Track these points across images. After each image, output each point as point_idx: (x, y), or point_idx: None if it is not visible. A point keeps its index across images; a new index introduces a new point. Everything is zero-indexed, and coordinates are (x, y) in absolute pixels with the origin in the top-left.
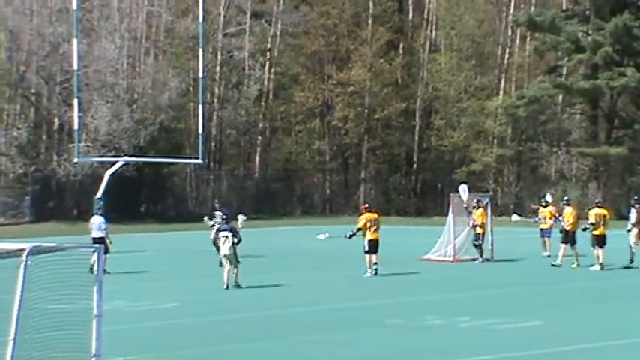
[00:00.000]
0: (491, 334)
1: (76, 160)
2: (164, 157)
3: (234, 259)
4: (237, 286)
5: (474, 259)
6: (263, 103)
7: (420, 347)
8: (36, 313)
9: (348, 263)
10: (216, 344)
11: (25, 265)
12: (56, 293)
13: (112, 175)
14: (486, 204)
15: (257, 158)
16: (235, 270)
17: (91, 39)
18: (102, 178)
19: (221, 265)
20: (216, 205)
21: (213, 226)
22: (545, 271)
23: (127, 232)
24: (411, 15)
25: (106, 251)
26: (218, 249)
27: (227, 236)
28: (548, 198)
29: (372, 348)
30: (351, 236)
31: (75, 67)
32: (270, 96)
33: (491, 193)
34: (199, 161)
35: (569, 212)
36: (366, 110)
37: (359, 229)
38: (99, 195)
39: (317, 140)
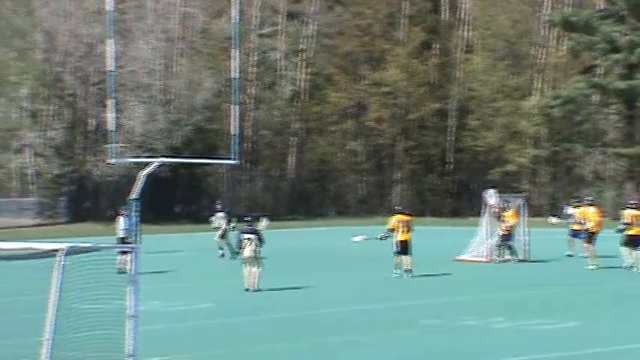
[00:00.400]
0: (526, 335)
1: (111, 160)
2: (199, 157)
3: (256, 261)
4: (257, 289)
5: (507, 260)
6: (297, 104)
7: (454, 348)
8: (72, 313)
9: (382, 264)
10: (250, 344)
11: (61, 265)
12: (92, 293)
13: (147, 175)
14: (520, 204)
15: (291, 159)
16: (257, 272)
17: (126, 40)
18: (137, 178)
19: (244, 267)
20: (218, 206)
21: (217, 227)
22: (580, 272)
23: (162, 232)
24: (445, 15)
25: (126, 252)
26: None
27: (250, 239)
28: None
29: (406, 349)
30: (383, 238)
31: (110, 67)
32: (305, 96)
33: (526, 193)
34: (234, 162)
35: (592, 212)
36: (401, 110)
37: (390, 230)
38: (134, 195)
39: (351, 141)
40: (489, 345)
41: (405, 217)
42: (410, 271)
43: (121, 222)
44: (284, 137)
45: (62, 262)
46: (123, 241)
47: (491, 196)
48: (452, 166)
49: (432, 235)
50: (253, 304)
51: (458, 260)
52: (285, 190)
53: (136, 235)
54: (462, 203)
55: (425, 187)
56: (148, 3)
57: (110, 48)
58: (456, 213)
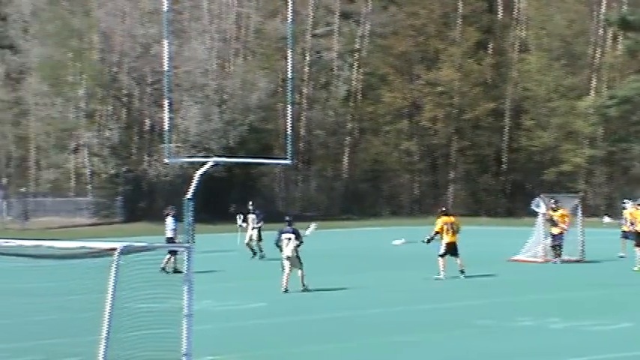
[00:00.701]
0: (582, 336)
1: (166, 160)
2: (253, 157)
3: (296, 261)
4: (306, 289)
5: (567, 261)
6: (351, 104)
7: (511, 349)
8: (127, 312)
9: (433, 265)
10: (300, 345)
11: (117, 264)
12: (146, 293)
13: (201, 175)
14: (575, 205)
15: (345, 159)
16: (300, 272)
17: (181, 40)
18: (192, 178)
19: (284, 269)
20: (250, 208)
21: (244, 227)
22: (632, 273)
23: (217, 232)
24: (500, 15)
25: (175, 252)
26: (281, 251)
27: (290, 238)
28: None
29: (462, 349)
30: (428, 241)
31: (165, 68)
32: (359, 96)
33: (581, 193)
34: (288, 161)
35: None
36: (455, 110)
37: (436, 233)
38: (189, 195)
39: (405, 140)
40: (546, 346)
41: (450, 219)
42: (463, 272)
43: (170, 222)
44: (338, 137)
45: (117, 262)
46: (170, 241)
47: (538, 206)
48: (506, 166)
49: (486, 235)
50: (303, 304)
51: (513, 260)
52: (339, 190)
53: (190, 234)
54: (516, 203)
55: (479, 187)
56: (203, 3)
57: (166, 48)
58: (510, 213)
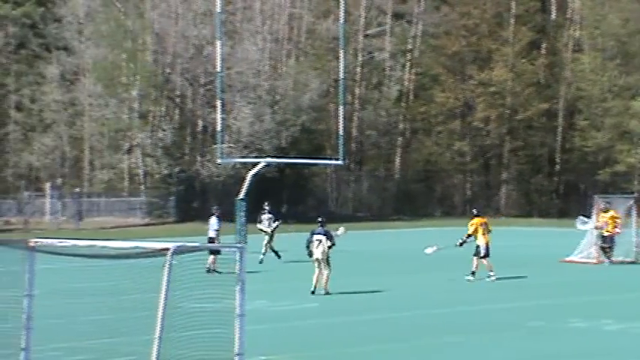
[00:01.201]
0: (636, 338)
1: (218, 160)
2: (305, 157)
3: (326, 263)
4: (327, 293)
5: (621, 262)
6: (403, 104)
7: (562, 350)
8: (180, 312)
9: (481, 267)
10: (352, 345)
11: (170, 264)
12: (199, 292)
13: (253, 175)
14: (630, 206)
15: (397, 159)
16: (326, 275)
17: (234, 41)
18: (244, 178)
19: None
20: (266, 208)
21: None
22: None
23: None
24: (553, 14)
25: (217, 252)
26: (311, 254)
27: (321, 240)
28: None
29: (514, 350)
30: (461, 244)
31: (218, 68)
32: (411, 96)
33: (636, 194)
34: (340, 162)
35: None
36: (508, 111)
37: (469, 236)
38: (241, 196)
39: (458, 141)
40: (598, 348)
41: (483, 220)
42: (491, 272)
43: (213, 222)
44: (390, 137)
45: (170, 262)
46: (212, 241)
47: (584, 222)
48: (560, 166)
49: (538, 236)
50: (355, 305)
51: (565, 262)
52: (391, 191)
53: (242, 234)
54: (569, 204)
55: (532, 187)
56: (255, 4)
57: (218, 49)
58: (563, 214)
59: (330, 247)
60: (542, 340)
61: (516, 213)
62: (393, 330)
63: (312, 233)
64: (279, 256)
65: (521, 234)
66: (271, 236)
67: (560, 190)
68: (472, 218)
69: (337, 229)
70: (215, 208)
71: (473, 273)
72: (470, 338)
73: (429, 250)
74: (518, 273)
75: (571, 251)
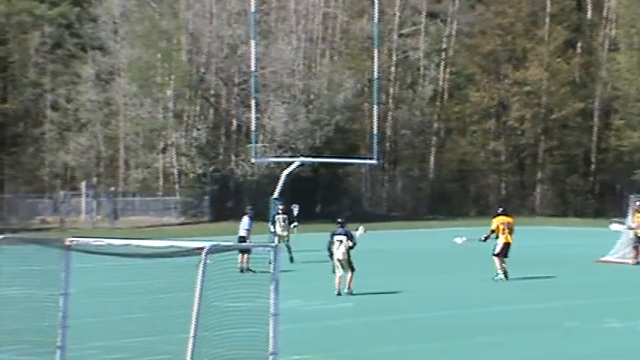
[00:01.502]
0: None
1: (253, 160)
2: (339, 157)
3: (347, 264)
4: (350, 293)
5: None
6: (438, 103)
7: (598, 350)
8: (214, 311)
9: (515, 265)
10: (385, 345)
11: (204, 263)
12: (234, 292)
13: (288, 175)
14: None
15: (432, 158)
16: (349, 275)
17: (268, 41)
18: (278, 178)
19: (334, 271)
20: (280, 208)
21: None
22: None
23: (303, 231)
24: (589, 13)
25: (248, 251)
26: (331, 255)
27: (342, 240)
28: None
29: (550, 351)
30: (485, 239)
31: (252, 68)
32: (445, 96)
33: None
34: (374, 161)
35: None
36: (543, 110)
37: (492, 232)
38: (275, 195)
39: (492, 140)
40: (633, 348)
41: (507, 219)
42: (505, 271)
43: (245, 221)
44: (424, 137)
45: (205, 261)
46: (243, 240)
47: (616, 228)
48: (595, 166)
49: (574, 236)
50: (390, 305)
51: (601, 262)
52: (425, 190)
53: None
54: (605, 204)
55: (567, 187)
56: (290, 4)
57: (253, 49)
58: (599, 214)
59: (351, 248)
60: (577, 341)
61: (551, 213)
62: (427, 330)
63: (333, 234)
64: (292, 260)
65: (556, 234)
66: (287, 237)
67: (596, 189)
68: (495, 216)
69: (357, 229)
70: (249, 208)
71: (498, 274)
72: (506, 338)
73: (458, 240)
74: (553, 273)
75: (607, 251)
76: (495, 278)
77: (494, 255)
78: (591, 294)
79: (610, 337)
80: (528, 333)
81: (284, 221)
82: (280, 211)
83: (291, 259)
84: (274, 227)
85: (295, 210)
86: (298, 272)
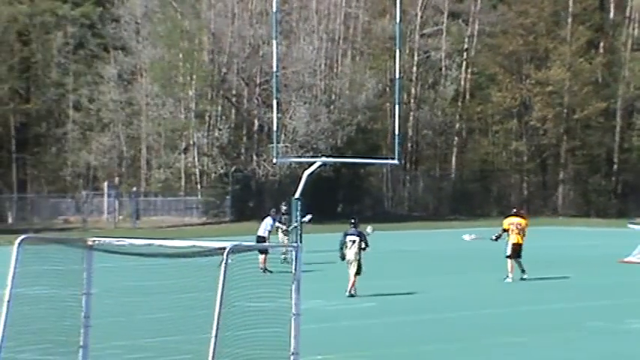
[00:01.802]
0: None
1: (274, 160)
2: (361, 157)
3: (357, 265)
4: (351, 295)
5: None
6: (459, 104)
7: (621, 351)
8: (236, 311)
9: (535, 265)
10: (406, 345)
11: (226, 263)
12: (255, 291)
13: (309, 175)
14: None
15: (453, 159)
16: (353, 278)
17: (289, 41)
18: (300, 178)
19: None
20: (284, 209)
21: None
22: None
23: (324, 231)
24: (612, 13)
25: (265, 252)
26: (343, 256)
27: (354, 241)
28: None
29: (572, 351)
30: (496, 238)
31: (274, 68)
32: (467, 96)
33: None
34: (396, 162)
35: None
36: (565, 110)
37: (504, 231)
38: (297, 195)
39: (514, 141)
40: None
41: (518, 220)
42: (523, 271)
43: (268, 222)
44: (446, 137)
45: (227, 261)
46: (262, 239)
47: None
48: (618, 166)
49: (597, 236)
50: (412, 305)
51: (624, 262)
52: (447, 191)
53: (298, 234)
54: (628, 204)
55: (589, 187)
56: (311, 4)
57: (274, 49)
58: (621, 214)
59: (363, 249)
60: (600, 341)
61: (574, 213)
62: (448, 330)
63: (346, 234)
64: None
65: (578, 234)
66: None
67: (619, 189)
68: (508, 216)
69: (366, 229)
70: (273, 210)
71: (523, 271)
72: (527, 339)
73: (467, 237)
74: (575, 273)
75: (630, 251)
76: (505, 280)
77: (507, 257)
78: (614, 294)
79: (633, 337)
80: (550, 333)
81: (286, 223)
82: (283, 212)
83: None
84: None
85: (307, 218)
86: (319, 272)
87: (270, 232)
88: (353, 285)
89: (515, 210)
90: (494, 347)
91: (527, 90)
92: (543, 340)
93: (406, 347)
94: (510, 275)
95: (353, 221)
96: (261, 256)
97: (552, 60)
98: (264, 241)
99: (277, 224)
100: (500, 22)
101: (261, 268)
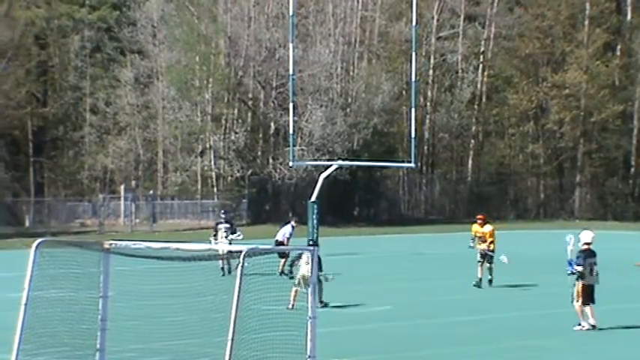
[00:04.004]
0: None
1: (291, 163)
2: (377, 160)
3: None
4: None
5: None
6: (476, 107)
7: (638, 354)
8: (253, 314)
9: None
10: (423, 348)
11: (242, 266)
12: (272, 295)
13: (325, 178)
14: None
15: (470, 162)
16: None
17: (306, 44)
18: (316, 181)
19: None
20: (222, 217)
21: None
22: None
23: (341, 234)
24: (629, 15)
25: (286, 255)
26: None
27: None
28: None
29: (589, 354)
30: (472, 247)
31: (290, 71)
32: (484, 99)
33: None
34: (412, 165)
35: None
36: (582, 113)
37: (472, 239)
38: (313, 198)
39: (531, 143)
40: None
41: (479, 229)
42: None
43: (287, 229)
44: (462, 140)
45: (243, 264)
46: (280, 244)
47: None
48: (635, 169)
49: (613, 239)
50: (428, 308)
51: None
52: (463, 194)
53: (315, 237)
54: None
55: (606, 190)
56: (328, 7)
57: (291, 52)
58: (638, 217)
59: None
60: (618, 344)
61: (591, 216)
62: (466, 333)
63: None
64: (229, 272)
65: (595, 237)
66: (230, 251)
67: (636, 193)
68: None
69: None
70: (295, 219)
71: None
72: (546, 342)
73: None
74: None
75: None
76: (473, 284)
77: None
78: (630, 297)
79: None
80: (566, 336)
81: (226, 231)
82: (223, 220)
83: (229, 271)
84: (215, 238)
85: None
86: (337, 275)
87: (289, 238)
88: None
89: (477, 217)
90: (510, 351)
91: (543, 93)
92: (559, 344)
93: (422, 350)
94: (477, 281)
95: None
96: (282, 260)
97: (569, 63)
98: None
99: (211, 240)
100: (517, 24)
101: (281, 272)
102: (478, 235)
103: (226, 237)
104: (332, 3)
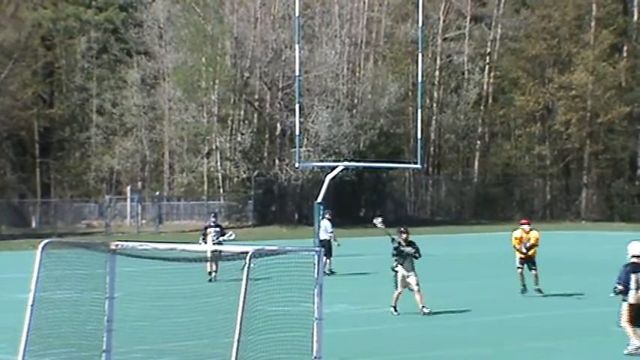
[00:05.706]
0: None
1: (297, 164)
2: (383, 161)
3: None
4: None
5: None
6: (482, 108)
7: None
8: (259, 315)
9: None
10: (433, 349)
11: (248, 267)
12: (278, 296)
13: (332, 179)
14: None
15: (476, 163)
16: (418, 294)
17: (312, 45)
18: (322, 182)
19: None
20: (212, 220)
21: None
22: None
23: (347, 235)
24: (635, 16)
25: (330, 254)
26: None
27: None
28: None
29: (600, 356)
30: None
31: (296, 72)
32: (490, 100)
33: None
34: (418, 166)
35: None
36: (589, 114)
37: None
38: (319, 199)
39: (537, 145)
40: None
41: (524, 235)
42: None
43: (327, 225)
44: (468, 141)
45: (249, 265)
46: (327, 243)
47: None
48: None
49: (620, 241)
50: (437, 309)
51: None
52: (470, 195)
53: (318, 238)
54: None
55: (613, 191)
56: (334, 8)
57: (297, 53)
58: None
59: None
60: (625, 346)
61: (597, 217)
62: (475, 334)
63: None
64: (214, 280)
65: (602, 238)
66: (218, 252)
67: None
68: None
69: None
70: (328, 212)
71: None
72: (557, 344)
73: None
74: (600, 278)
75: None
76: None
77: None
78: None
79: None
80: (577, 338)
81: (215, 234)
82: (212, 224)
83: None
84: (204, 242)
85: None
86: (344, 276)
87: (332, 234)
88: (421, 301)
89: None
90: (521, 352)
91: (550, 94)
92: (570, 346)
93: (430, 352)
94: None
95: (403, 230)
96: (326, 260)
97: (575, 64)
98: (329, 245)
99: (200, 242)
100: (523, 26)
101: (328, 271)
102: (524, 241)
103: (217, 239)
104: (338, 4)
